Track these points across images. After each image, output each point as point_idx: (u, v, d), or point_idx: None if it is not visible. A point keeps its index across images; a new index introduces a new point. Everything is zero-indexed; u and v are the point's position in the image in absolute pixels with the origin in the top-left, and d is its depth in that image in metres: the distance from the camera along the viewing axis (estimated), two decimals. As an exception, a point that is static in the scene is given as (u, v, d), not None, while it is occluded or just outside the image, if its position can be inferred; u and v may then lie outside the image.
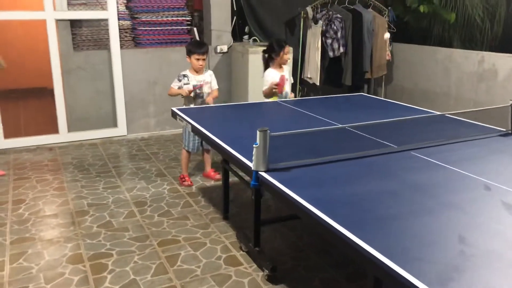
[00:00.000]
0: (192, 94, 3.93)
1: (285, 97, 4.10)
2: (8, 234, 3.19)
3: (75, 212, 3.53)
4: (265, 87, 4.03)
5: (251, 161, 2.30)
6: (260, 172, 2.25)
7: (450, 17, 5.46)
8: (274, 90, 3.94)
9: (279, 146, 2.38)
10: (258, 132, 2.22)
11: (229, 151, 2.60)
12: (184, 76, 3.98)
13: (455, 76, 5.49)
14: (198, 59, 3.92)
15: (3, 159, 4.67)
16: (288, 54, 4.10)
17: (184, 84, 3.95)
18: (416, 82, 6.02)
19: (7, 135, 4.95)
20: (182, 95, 3.93)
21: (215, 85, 4.09)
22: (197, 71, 3.99)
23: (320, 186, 2.12)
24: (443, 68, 5.63)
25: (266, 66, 4.10)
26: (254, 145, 2.24)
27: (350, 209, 1.88)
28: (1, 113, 4.88)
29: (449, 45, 5.56)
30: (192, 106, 3.94)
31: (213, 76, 4.11)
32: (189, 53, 3.96)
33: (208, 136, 2.90)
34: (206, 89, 4.01)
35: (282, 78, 4.01)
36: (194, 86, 3.93)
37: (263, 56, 4.12)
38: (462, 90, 5.42)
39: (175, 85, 3.98)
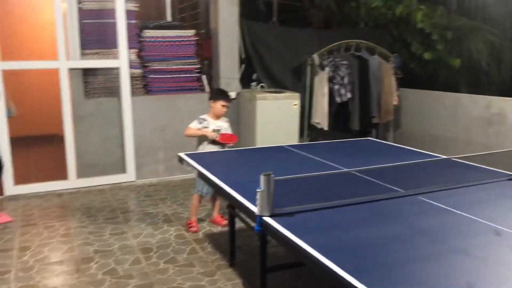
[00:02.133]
0: (215, 137, 3.96)
1: None
2: (12, 281, 3.16)
3: (80, 259, 3.50)
4: None
5: (255, 206, 2.28)
6: (264, 217, 2.22)
7: (455, 63, 5.53)
8: None
9: (285, 191, 2.36)
10: (261, 177, 2.21)
11: (233, 196, 2.59)
12: (204, 120, 4.03)
13: (463, 120, 5.49)
14: (224, 106, 4.00)
15: (13, 205, 4.70)
16: None
17: (204, 127, 3.99)
18: (425, 127, 6.02)
19: (17, 182, 5.00)
20: (206, 136, 3.96)
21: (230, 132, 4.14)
22: (218, 117, 4.04)
23: (325, 232, 2.09)
24: (451, 113, 5.64)
25: None
26: (257, 190, 2.23)
27: (355, 255, 1.83)
28: (12, 160, 4.94)
29: (456, 90, 5.59)
30: (209, 149, 3.97)
31: (229, 123, 4.16)
32: (216, 98, 4.03)
33: (213, 181, 2.89)
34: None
35: None
36: (213, 131, 3.98)
37: None
38: (471, 135, 5.39)
39: (195, 125, 4.00)
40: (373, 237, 2.02)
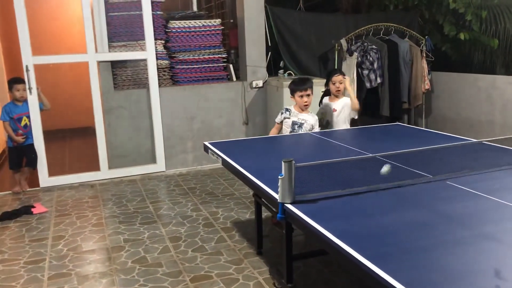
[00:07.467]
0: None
1: None
2: (46, 269, 3.26)
3: (111, 248, 3.57)
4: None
5: (277, 193, 2.25)
6: (286, 204, 2.20)
7: (493, 43, 5.30)
8: None
9: (307, 178, 2.33)
10: (283, 163, 2.18)
11: (256, 184, 2.57)
12: (287, 110, 3.96)
13: (499, 103, 5.28)
14: (302, 96, 3.89)
15: (48, 196, 4.84)
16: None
17: (285, 118, 3.94)
18: (459, 111, 5.83)
19: (52, 174, 5.14)
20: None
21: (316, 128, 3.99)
22: (303, 109, 3.95)
23: (348, 218, 2.04)
24: (486, 96, 5.43)
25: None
26: (279, 177, 2.20)
27: (377, 241, 1.78)
28: (46, 152, 5.08)
29: (491, 71, 5.38)
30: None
31: (316, 119, 4.01)
32: (292, 92, 3.95)
33: (237, 168, 2.88)
34: (304, 129, 3.93)
35: None
36: (293, 122, 3.92)
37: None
38: (508, 117, 5.18)
39: (276, 119, 4.01)
40: (398, 223, 1.96)
